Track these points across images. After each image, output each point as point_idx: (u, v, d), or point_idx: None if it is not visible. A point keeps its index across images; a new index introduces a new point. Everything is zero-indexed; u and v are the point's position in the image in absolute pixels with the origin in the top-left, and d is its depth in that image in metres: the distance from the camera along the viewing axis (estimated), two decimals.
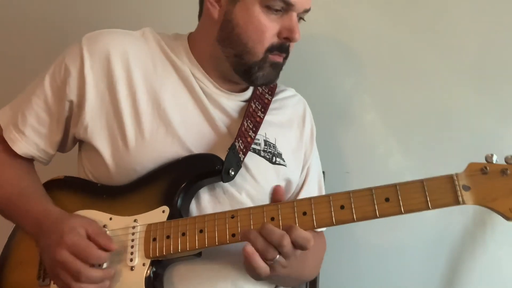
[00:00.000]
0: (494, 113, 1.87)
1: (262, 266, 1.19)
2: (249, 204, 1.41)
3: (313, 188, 1.60)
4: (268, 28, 1.39)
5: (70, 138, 1.49)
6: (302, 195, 1.55)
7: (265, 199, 1.45)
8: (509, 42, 1.87)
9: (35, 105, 1.44)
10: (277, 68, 1.46)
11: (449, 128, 1.91)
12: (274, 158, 1.49)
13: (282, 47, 1.42)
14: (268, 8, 1.37)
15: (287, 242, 1.17)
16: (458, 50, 1.91)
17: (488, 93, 1.88)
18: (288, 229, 1.18)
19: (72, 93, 1.41)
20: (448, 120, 1.91)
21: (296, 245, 1.18)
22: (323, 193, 1.62)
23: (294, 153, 1.56)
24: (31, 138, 1.45)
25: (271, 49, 1.41)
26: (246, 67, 1.43)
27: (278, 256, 1.18)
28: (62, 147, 1.51)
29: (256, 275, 1.22)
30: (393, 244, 1.90)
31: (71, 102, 1.42)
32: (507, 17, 1.87)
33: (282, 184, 1.51)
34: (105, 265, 1.30)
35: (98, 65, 1.40)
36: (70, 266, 1.22)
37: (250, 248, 1.18)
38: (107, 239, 1.28)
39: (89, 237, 1.27)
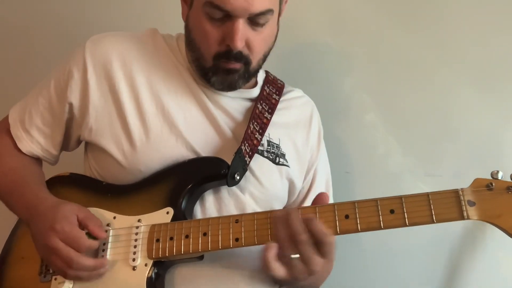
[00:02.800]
0: (495, 113, 1.87)
1: (275, 266, 1.18)
2: (253, 205, 1.42)
3: (320, 191, 1.59)
4: (210, 34, 1.35)
5: (73, 139, 1.51)
6: (308, 199, 1.56)
7: (269, 200, 1.45)
8: (509, 41, 1.87)
9: (41, 105, 1.47)
10: (234, 73, 1.40)
11: (449, 128, 1.91)
12: (277, 158, 1.49)
13: (228, 54, 1.35)
14: (209, 14, 1.34)
15: (304, 237, 1.16)
16: (458, 50, 1.91)
17: (489, 93, 1.88)
18: (307, 220, 1.18)
19: (73, 96, 1.43)
20: (448, 120, 1.91)
21: (315, 240, 1.17)
22: (331, 197, 1.62)
23: (298, 155, 1.56)
24: (36, 138, 1.48)
25: (218, 56, 1.37)
26: (203, 71, 1.42)
27: (297, 255, 1.18)
28: (65, 147, 1.54)
29: (273, 274, 1.21)
30: (392, 243, 1.90)
31: (70, 104, 1.44)
32: (508, 17, 1.87)
33: (286, 184, 1.52)
34: (107, 259, 1.32)
35: (101, 69, 1.42)
36: (62, 253, 1.25)
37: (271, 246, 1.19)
38: (97, 226, 1.31)
39: (80, 223, 1.29)
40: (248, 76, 1.44)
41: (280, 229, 1.19)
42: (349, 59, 2.02)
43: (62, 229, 1.26)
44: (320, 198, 1.29)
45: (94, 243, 1.29)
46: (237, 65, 1.38)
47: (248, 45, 1.36)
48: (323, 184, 1.62)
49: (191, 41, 1.42)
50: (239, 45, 1.33)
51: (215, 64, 1.38)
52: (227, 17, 1.32)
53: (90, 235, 1.30)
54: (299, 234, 1.17)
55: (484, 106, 1.88)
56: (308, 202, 1.56)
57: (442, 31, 1.92)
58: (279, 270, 1.19)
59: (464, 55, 1.90)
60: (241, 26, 1.32)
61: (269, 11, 1.35)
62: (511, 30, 1.87)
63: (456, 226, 1.86)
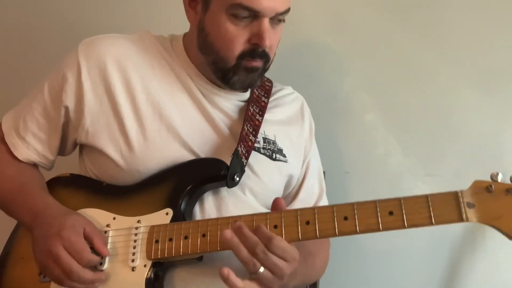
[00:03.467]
0: (494, 113, 1.88)
1: (239, 286, 1.18)
2: (253, 202, 1.44)
3: (313, 183, 1.61)
4: (236, 36, 1.37)
5: (69, 143, 1.51)
6: (302, 190, 1.58)
7: (269, 196, 1.45)
8: (509, 41, 1.87)
9: (35, 111, 1.47)
10: (254, 71, 1.43)
11: (449, 128, 1.91)
12: (274, 154, 1.50)
13: (254, 53, 1.39)
14: (234, 16, 1.35)
15: (260, 249, 1.18)
16: (458, 50, 1.91)
17: (489, 93, 1.88)
18: (266, 239, 1.18)
19: (68, 100, 1.43)
20: (448, 120, 1.91)
21: (278, 256, 1.18)
22: (324, 187, 1.64)
23: (294, 149, 1.57)
24: (32, 144, 1.48)
25: (242, 56, 1.39)
26: (222, 73, 1.43)
27: (262, 269, 1.19)
28: (61, 151, 1.54)
29: None
30: (392, 243, 1.91)
31: (66, 108, 1.44)
32: (508, 17, 1.87)
33: (285, 180, 1.53)
34: (105, 266, 1.31)
35: (95, 71, 1.42)
36: (63, 262, 1.24)
37: (226, 270, 1.18)
38: (102, 243, 1.31)
39: (85, 237, 1.29)
40: (263, 73, 1.48)
41: (237, 247, 1.19)
42: (349, 59, 2.02)
43: (69, 238, 1.25)
44: (277, 204, 1.29)
45: (95, 258, 1.29)
46: (259, 63, 1.41)
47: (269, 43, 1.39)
48: (316, 174, 1.64)
49: (208, 44, 1.42)
50: (268, 43, 1.37)
51: (237, 64, 1.40)
52: (253, 17, 1.35)
53: (93, 250, 1.29)
54: (255, 246, 1.17)
55: (484, 106, 1.89)
56: (301, 193, 1.58)
57: (442, 31, 1.93)
58: (251, 287, 1.20)
59: (464, 56, 1.91)
60: (268, 25, 1.36)
61: (289, 9, 1.40)
62: (511, 30, 1.87)
63: (456, 227, 1.85)
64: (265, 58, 1.41)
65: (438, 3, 1.93)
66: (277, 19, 1.39)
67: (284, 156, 1.52)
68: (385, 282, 1.93)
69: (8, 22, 2.30)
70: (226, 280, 1.17)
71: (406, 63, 1.96)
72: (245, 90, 1.55)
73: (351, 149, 2.00)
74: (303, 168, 1.61)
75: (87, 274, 1.26)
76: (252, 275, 1.20)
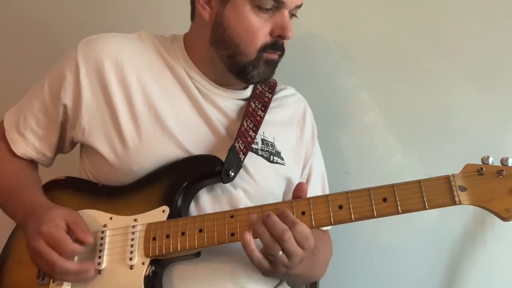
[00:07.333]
0: (494, 113, 1.86)
1: (258, 257, 1.21)
2: (248, 203, 1.42)
3: (317, 189, 1.60)
4: (259, 28, 1.39)
5: (67, 141, 1.52)
6: None
7: (264, 198, 1.45)
8: (509, 41, 1.86)
9: (35, 108, 1.49)
10: (272, 65, 1.46)
11: (449, 128, 1.90)
12: (271, 157, 1.49)
13: (275, 45, 1.42)
14: (258, 7, 1.37)
15: (288, 237, 1.17)
16: (458, 49, 1.90)
17: (489, 93, 1.87)
18: (290, 223, 1.19)
19: (66, 98, 1.44)
20: (448, 120, 1.90)
21: (297, 241, 1.19)
22: (327, 193, 1.62)
23: (294, 152, 1.57)
24: (30, 141, 1.49)
25: (264, 48, 1.41)
26: (241, 67, 1.43)
27: (280, 252, 1.19)
28: (59, 149, 1.55)
29: (258, 268, 1.24)
30: (392, 243, 1.90)
31: (64, 106, 1.45)
32: (508, 16, 1.87)
33: (283, 183, 1.53)
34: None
35: (92, 70, 1.43)
36: (45, 256, 1.25)
37: (248, 236, 1.20)
38: (83, 231, 1.30)
39: (68, 228, 1.29)
40: (276, 66, 1.49)
41: (262, 231, 1.20)
42: (349, 59, 2.02)
43: (47, 232, 1.26)
44: (299, 189, 1.30)
45: (77, 248, 1.27)
46: (277, 56, 1.45)
47: None
48: (319, 180, 1.63)
49: (226, 38, 1.42)
50: (291, 34, 1.40)
51: (258, 57, 1.41)
52: (276, 9, 1.39)
53: (78, 240, 1.29)
54: (283, 234, 1.18)
55: (484, 106, 1.87)
56: None
57: (442, 30, 1.92)
58: (264, 263, 1.22)
59: (464, 55, 1.90)
60: (288, 16, 1.41)
61: (302, 4, 1.45)
62: (511, 29, 1.87)
63: (456, 226, 1.86)
64: (282, 51, 1.45)
65: (439, 3, 1.93)
66: (293, 13, 1.45)
67: (282, 159, 1.52)
68: (385, 282, 1.92)
69: (10, 22, 2.33)
70: (247, 244, 1.20)
71: (406, 63, 1.95)
72: (245, 88, 1.56)
73: (351, 149, 1.99)
74: (304, 173, 1.60)
75: (70, 264, 1.26)
76: (270, 257, 1.21)
